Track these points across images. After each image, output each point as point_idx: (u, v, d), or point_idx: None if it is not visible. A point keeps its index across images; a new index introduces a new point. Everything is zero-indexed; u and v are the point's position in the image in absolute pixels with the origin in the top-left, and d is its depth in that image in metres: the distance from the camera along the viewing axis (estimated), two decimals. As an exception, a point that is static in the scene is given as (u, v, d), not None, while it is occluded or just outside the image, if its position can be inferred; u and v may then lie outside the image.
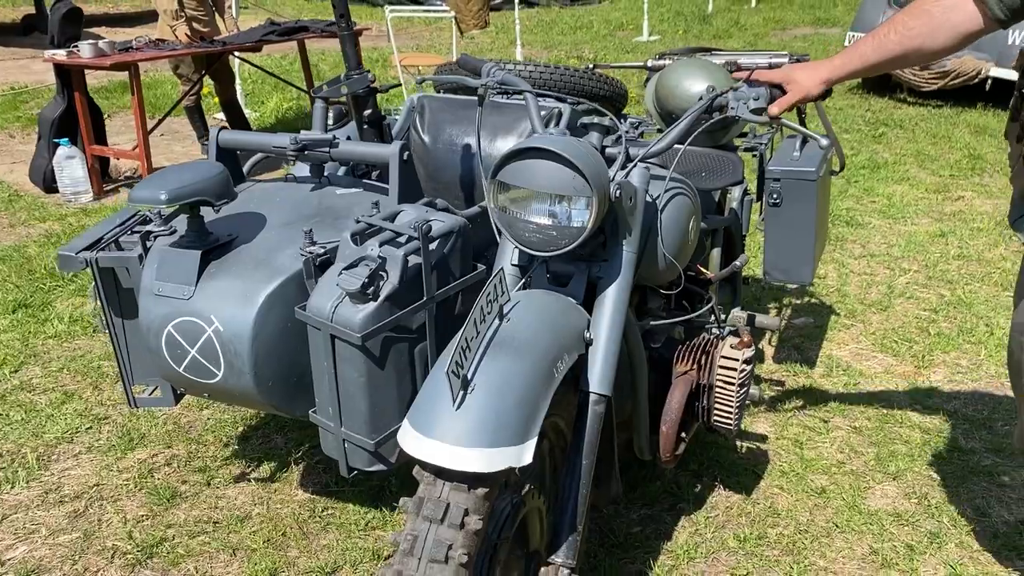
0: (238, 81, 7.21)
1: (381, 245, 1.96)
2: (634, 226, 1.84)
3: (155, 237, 2.20)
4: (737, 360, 2.17)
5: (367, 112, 2.52)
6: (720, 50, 2.97)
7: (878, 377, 3.24)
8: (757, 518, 2.48)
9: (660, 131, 2.56)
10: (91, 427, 3.03)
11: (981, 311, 3.73)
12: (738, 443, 2.82)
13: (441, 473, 1.46)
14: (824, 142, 1.90)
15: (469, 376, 1.45)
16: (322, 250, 2.04)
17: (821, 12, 13.95)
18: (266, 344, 2.01)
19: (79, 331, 3.72)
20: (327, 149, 2.28)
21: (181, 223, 2.25)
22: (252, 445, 2.91)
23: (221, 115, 7.23)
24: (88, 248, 2.23)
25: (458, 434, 1.40)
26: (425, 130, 2.96)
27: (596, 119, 1.89)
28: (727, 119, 1.98)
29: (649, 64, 3.02)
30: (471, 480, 1.45)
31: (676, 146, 1.95)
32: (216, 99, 7.20)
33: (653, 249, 1.94)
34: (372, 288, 1.88)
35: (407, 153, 2.22)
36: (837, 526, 2.45)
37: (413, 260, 1.96)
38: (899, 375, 3.26)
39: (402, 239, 2.00)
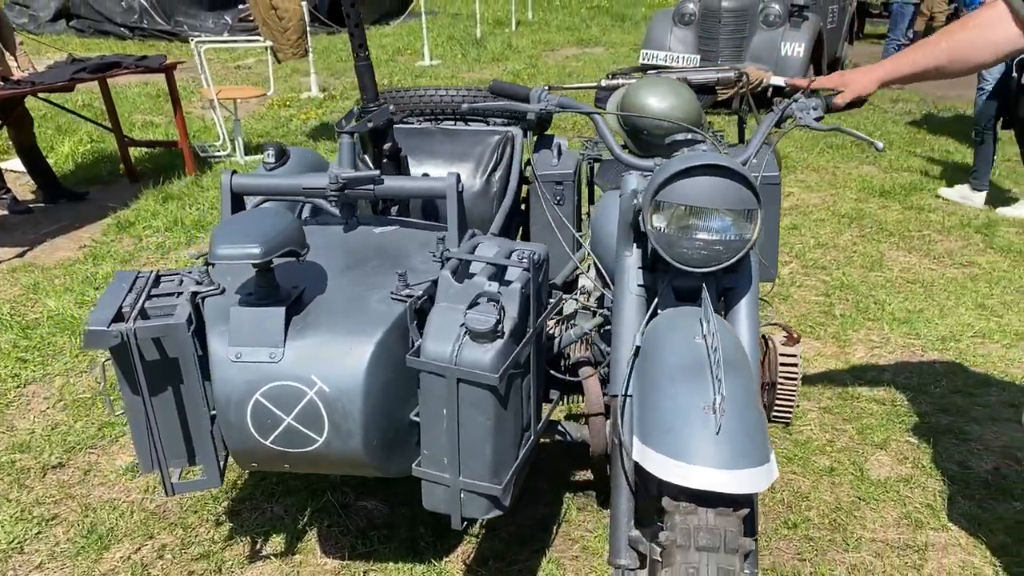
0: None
1: (489, 279, 1.87)
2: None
3: (202, 298, 1.94)
4: (795, 355, 2.30)
5: (387, 145, 2.37)
6: (668, 67, 3.12)
7: (815, 360, 3.53)
8: (792, 504, 2.63)
9: (625, 147, 2.65)
10: (40, 531, 2.59)
11: (863, 291, 4.18)
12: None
13: (699, 499, 1.42)
14: (880, 145, 2.06)
15: (715, 398, 1.43)
16: (420, 291, 1.91)
17: (581, 34, 14.82)
18: (375, 399, 1.84)
19: (-39, 424, 3.16)
20: (371, 186, 2.13)
21: (223, 279, 2.01)
22: (248, 519, 2.63)
23: (11, 163, 6.41)
24: (115, 320, 1.92)
25: (726, 458, 1.38)
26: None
27: (689, 135, 1.93)
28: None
29: (603, 84, 3.10)
30: (733, 503, 1.43)
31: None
32: (-1, 146, 6.39)
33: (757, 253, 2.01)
34: (500, 325, 1.80)
35: (462, 184, 2.13)
36: (862, 499, 2.65)
37: (523, 292, 1.89)
38: (830, 356, 3.57)
39: (498, 271, 1.93)
